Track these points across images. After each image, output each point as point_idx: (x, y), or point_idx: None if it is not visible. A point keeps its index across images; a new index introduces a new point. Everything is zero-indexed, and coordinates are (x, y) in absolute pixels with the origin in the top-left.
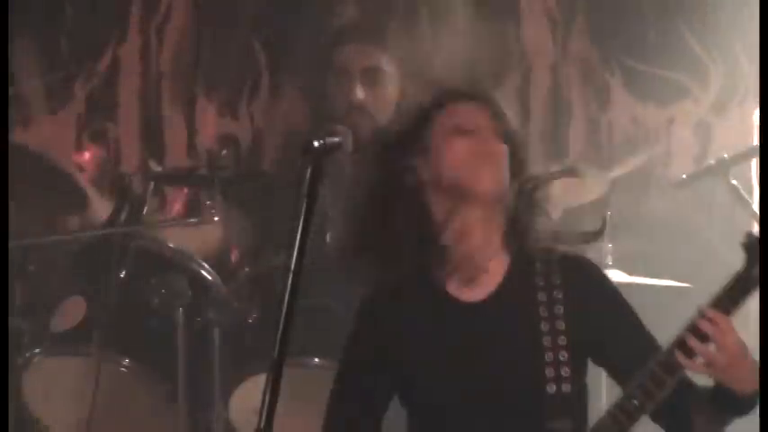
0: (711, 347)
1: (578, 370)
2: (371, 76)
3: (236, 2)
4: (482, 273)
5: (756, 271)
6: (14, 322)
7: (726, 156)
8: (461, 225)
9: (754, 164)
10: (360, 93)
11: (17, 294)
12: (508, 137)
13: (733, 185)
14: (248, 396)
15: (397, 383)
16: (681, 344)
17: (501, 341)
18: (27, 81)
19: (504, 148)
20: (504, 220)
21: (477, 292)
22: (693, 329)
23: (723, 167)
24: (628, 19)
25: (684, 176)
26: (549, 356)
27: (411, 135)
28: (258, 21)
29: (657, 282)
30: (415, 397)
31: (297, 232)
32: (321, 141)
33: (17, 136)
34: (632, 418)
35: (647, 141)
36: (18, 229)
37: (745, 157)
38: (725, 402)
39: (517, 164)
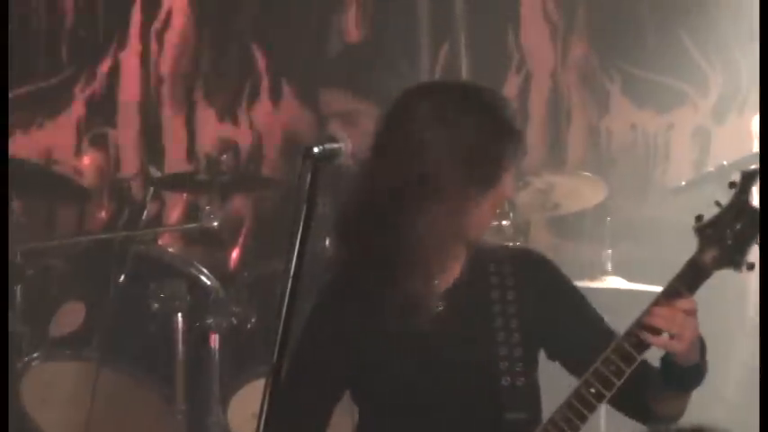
0: (665, 335)
1: (531, 364)
2: (347, 119)
3: (236, 8)
4: (437, 272)
5: (708, 256)
6: (14, 326)
7: (725, 163)
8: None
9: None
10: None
11: (17, 298)
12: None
13: (734, 180)
14: (247, 401)
15: (350, 376)
16: (638, 333)
17: (456, 337)
18: (27, 85)
19: None
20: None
21: (433, 286)
22: (649, 321)
23: (722, 174)
24: (627, 25)
25: (684, 183)
26: (503, 351)
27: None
28: (257, 26)
29: (657, 288)
30: (369, 391)
31: (296, 237)
32: (321, 147)
33: (17, 141)
34: (590, 406)
35: (646, 147)
36: (17, 234)
37: (743, 163)
38: (672, 375)
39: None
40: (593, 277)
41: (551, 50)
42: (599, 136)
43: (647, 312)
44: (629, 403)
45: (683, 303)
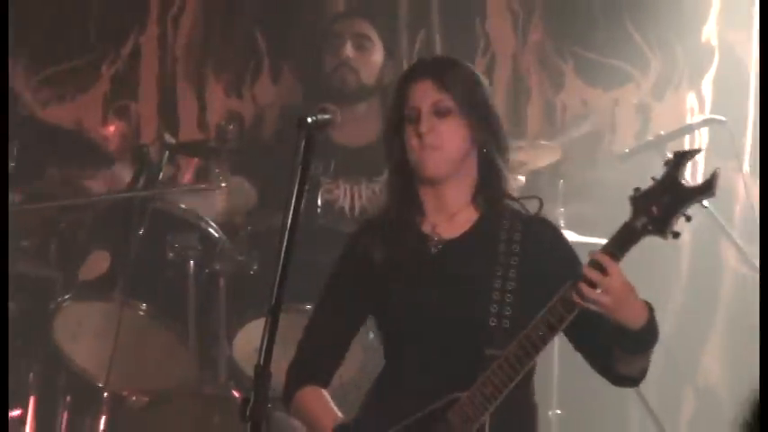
0: (599, 290)
1: (520, 312)
2: (360, 41)
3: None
4: (449, 221)
5: (639, 223)
6: (49, 272)
7: (662, 132)
8: (431, 189)
9: (687, 139)
10: (350, 51)
11: (51, 248)
12: (463, 109)
13: (669, 158)
14: (250, 337)
15: (370, 305)
16: (579, 284)
17: (460, 276)
18: (62, 64)
19: (447, 125)
20: (472, 182)
21: (448, 233)
22: (584, 274)
23: (660, 143)
24: (579, 15)
25: (627, 150)
26: (496, 296)
27: (392, 117)
28: (260, 12)
29: (603, 240)
30: (385, 319)
31: (292, 196)
32: (314, 118)
33: (53, 111)
34: (537, 346)
35: (595, 120)
36: (53, 192)
37: (679, 133)
38: (623, 338)
39: (481, 131)
40: None
41: (513, 36)
42: (554, 110)
43: (584, 268)
44: (597, 360)
45: (612, 262)
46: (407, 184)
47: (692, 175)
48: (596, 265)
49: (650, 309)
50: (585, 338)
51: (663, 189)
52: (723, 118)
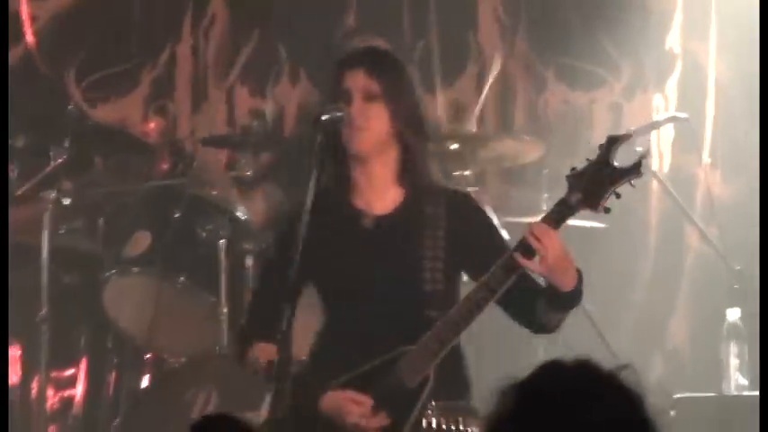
0: (538, 255)
1: (451, 278)
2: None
3: (265, 12)
4: (380, 199)
5: (574, 198)
6: (97, 249)
7: (632, 128)
8: (360, 165)
9: (654, 134)
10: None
11: (99, 228)
12: (388, 95)
13: (636, 150)
14: None
15: (310, 273)
16: (520, 248)
17: (395, 247)
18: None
19: (376, 111)
20: (394, 162)
21: (380, 209)
22: (529, 235)
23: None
24: (559, 26)
25: (602, 143)
26: (428, 264)
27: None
28: (280, 25)
29: (583, 223)
30: (325, 287)
31: (311, 181)
32: (328, 116)
33: (100, 111)
34: (480, 306)
35: (574, 118)
36: (99, 180)
37: (646, 129)
38: (553, 297)
39: (402, 117)
40: (532, 215)
41: (501, 46)
42: (538, 109)
43: (528, 230)
44: (522, 315)
45: (549, 232)
46: (340, 162)
47: (659, 165)
48: (536, 233)
49: (580, 276)
50: (514, 299)
51: (596, 169)
52: (685, 115)
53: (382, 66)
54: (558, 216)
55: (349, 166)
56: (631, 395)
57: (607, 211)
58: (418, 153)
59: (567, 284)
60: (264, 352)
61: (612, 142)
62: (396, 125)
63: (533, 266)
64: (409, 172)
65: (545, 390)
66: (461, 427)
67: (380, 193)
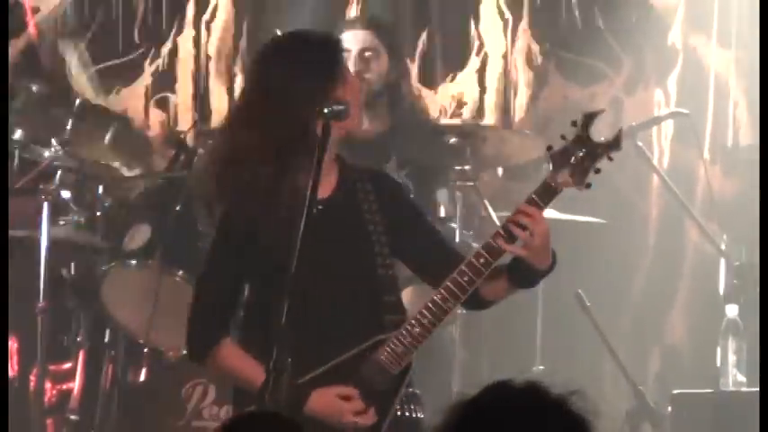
0: (527, 233)
1: (396, 259)
2: (365, 54)
3: (264, 6)
4: (325, 180)
5: (558, 177)
6: (96, 242)
7: (633, 123)
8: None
9: (655, 130)
10: (357, 65)
11: (99, 221)
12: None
13: (638, 146)
14: None
15: (258, 265)
16: (505, 231)
17: (341, 233)
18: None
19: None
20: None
21: (323, 191)
22: (514, 221)
23: (631, 133)
24: (560, 20)
25: (602, 139)
26: (377, 248)
27: None
28: (281, 19)
29: (581, 218)
30: (276, 277)
31: (312, 174)
32: (329, 108)
33: (104, 101)
34: (464, 289)
35: (574, 112)
36: (99, 172)
37: (647, 125)
38: (522, 276)
39: None
40: None
41: (503, 39)
42: (539, 104)
43: (511, 216)
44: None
45: (536, 212)
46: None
47: (659, 160)
48: (524, 212)
49: (554, 253)
50: None
51: (577, 146)
52: (686, 111)
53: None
54: (545, 197)
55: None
56: (577, 422)
57: (588, 186)
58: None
59: (545, 263)
60: (231, 354)
61: (588, 118)
62: None
63: (518, 251)
64: (340, 157)
65: (490, 409)
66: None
67: (325, 176)
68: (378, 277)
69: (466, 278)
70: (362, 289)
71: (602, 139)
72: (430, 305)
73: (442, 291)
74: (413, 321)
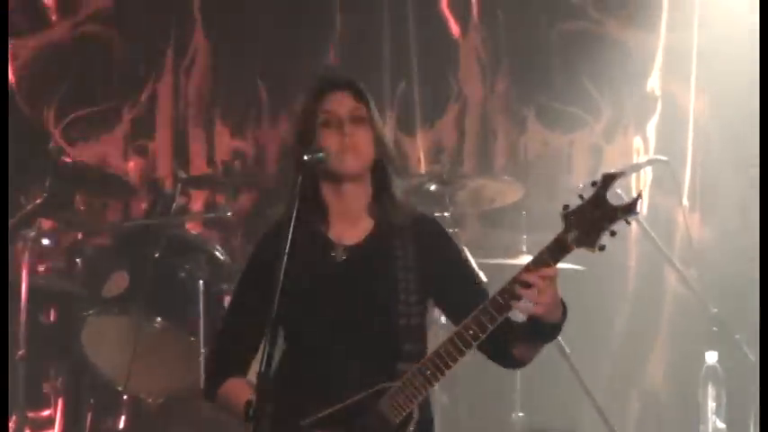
0: (534, 291)
1: (422, 309)
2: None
3: (245, 51)
4: (353, 228)
5: (570, 236)
6: (76, 289)
7: (612, 170)
8: (336, 191)
9: (634, 177)
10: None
11: (78, 268)
12: (371, 120)
13: (617, 193)
14: None
15: (284, 309)
16: (510, 290)
17: (367, 281)
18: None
19: (364, 134)
20: (369, 190)
21: (351, 238)
22: (521, 279)
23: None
24: (539, 67)
25: (581, 185)
26: (402, 296)
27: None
28: (261, 66)
29: (560, 265)
30: (292, 323)
31: (290, 221)
32: (309, 156)
33: (80, 150)
34: (468, 343)
35: (553, 159)
36: (78, 220)
37: (627, 172)
38: (538, 332)
39: (381, 142)
40: (512, 256)
41: (481, 86)
42: (518, 150)
43: (519, 274)
44: (494, 349)
45: (546, 270)
46: (315, 186)
47: (639, 206)
48: (533, 271)
49: (565, 307)
50: (490, 335)
51: (593, 206)
52: (665, 158)
53: (363, 91)
54: (555, 255)
55: (321, 190)
56: None
57: (602, 248)
58: (392, 178)
59: (555, 317)
60: (237, 389)
61: (608, 180)
62: (377, 152)
63: (529, 309)
64: (382, 203)
65: None
66: None
67: (353, 223)
68: (397, 327)
69: (471, 332)
70: (377, 338)
71: (620, 202)
72: (434, 357)
73: (447, 343)
74: (415, 371)
